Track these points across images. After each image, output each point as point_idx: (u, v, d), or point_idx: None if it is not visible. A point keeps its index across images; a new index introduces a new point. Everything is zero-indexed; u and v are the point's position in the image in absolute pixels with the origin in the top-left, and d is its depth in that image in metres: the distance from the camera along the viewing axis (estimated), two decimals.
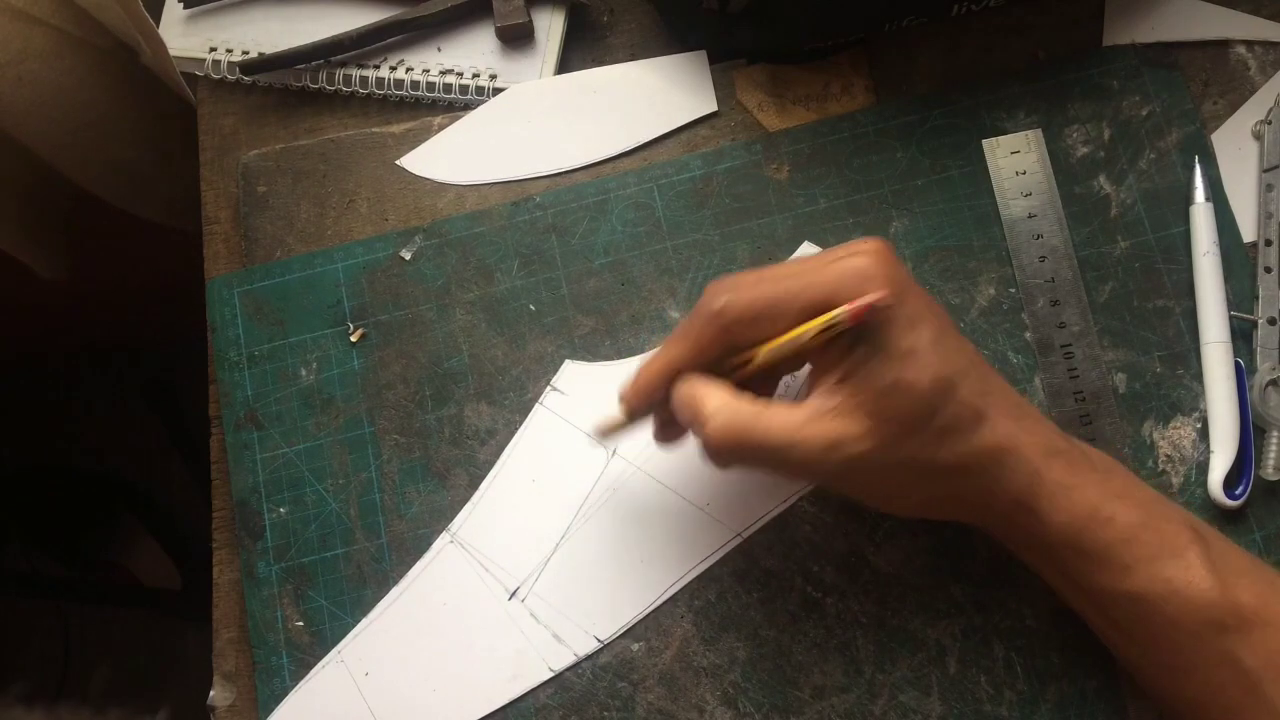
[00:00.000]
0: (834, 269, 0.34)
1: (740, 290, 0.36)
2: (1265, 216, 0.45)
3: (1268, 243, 0.44)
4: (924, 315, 0.34)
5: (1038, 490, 0.35)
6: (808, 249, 0.46)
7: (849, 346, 0.34)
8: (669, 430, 0.40)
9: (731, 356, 0.37)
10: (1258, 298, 0.44)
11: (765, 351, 0.35)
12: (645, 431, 0.43)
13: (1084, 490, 0.35)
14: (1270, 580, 0.35)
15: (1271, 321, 0.44)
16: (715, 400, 0.36)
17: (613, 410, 0.40)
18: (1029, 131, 0.47)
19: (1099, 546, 0.35)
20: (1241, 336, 0.44)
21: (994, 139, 0.47)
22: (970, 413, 0.34)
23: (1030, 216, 0.46)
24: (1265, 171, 0.45)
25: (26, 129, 0.56)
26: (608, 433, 0.41)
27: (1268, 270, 0.44)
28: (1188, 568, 0.34)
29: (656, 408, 0.39)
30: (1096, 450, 0.38)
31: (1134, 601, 0.34)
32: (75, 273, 0.67)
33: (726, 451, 0.36)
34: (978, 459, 0.35)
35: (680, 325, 0.38)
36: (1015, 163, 0.46)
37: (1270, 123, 0.46)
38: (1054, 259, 0.45)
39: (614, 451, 0.45)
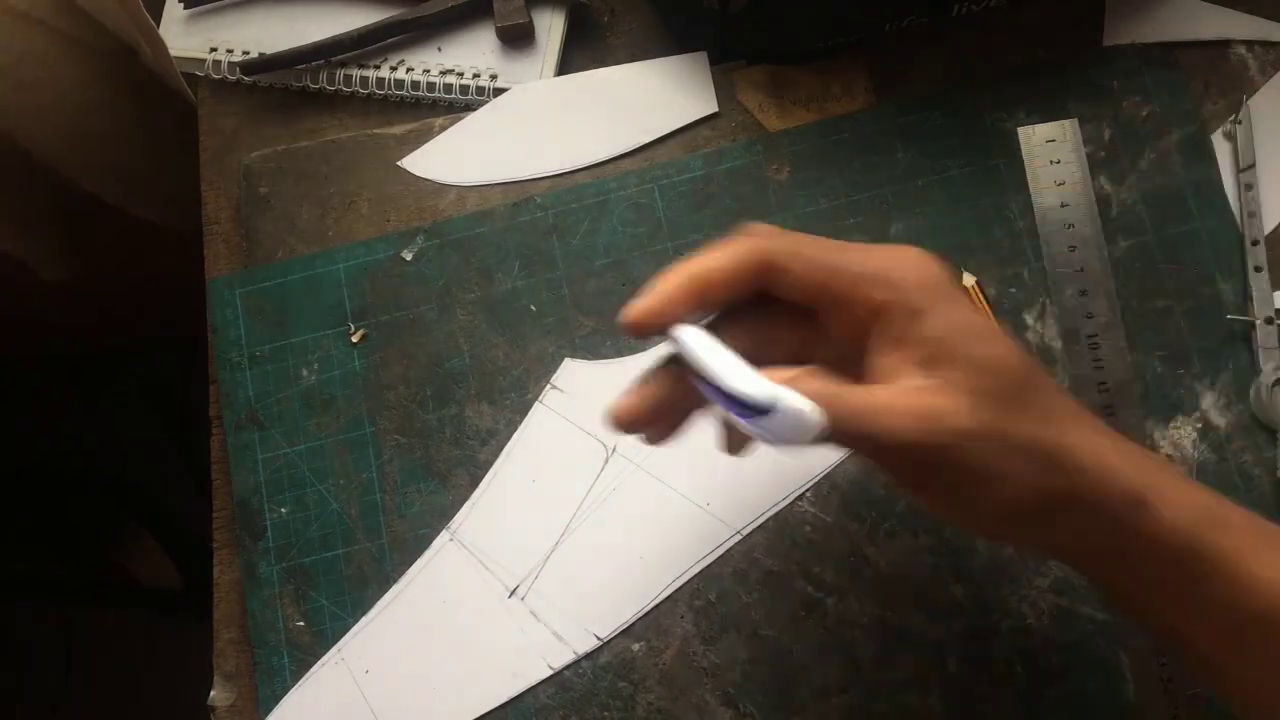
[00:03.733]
0: (875, 256, 0.32)
1: (784, 236, 0.32)
2: (1247, 215, 0.45)
3: (1254, 242, 0.44)
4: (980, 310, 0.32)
5: (1147, 482, 0.31)
6: None
7: (917, 327, 0.31)
8: (673, 415, 0.33)
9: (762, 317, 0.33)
10: (1251, 299, 0.44)
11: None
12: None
13: (1192, 489, 0.32)
14: None
15: (1269, 321, 0.44)
16: (786, 371, 0.30)
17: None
18: (1066, 121, 0.47)
19: (1218, 552, 0.31)
20: (1240, 340, 0.44)
21: (1029, 127, 0.47)
22: (1060, 400, 0.32)
23: (1063, 206, 0.46)
24: (1242, 171, 0.45)
25: (28, 131, 0.56)
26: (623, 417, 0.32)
27: (1258, 269, 0.44)
28: None
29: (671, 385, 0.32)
30: None
31: (1263, 619, 0.30)
32: (76, 273, 0.67)
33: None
34: (1083, 444, 0.31)
35: (721, 243, 0.32)
36: (1050, 152, 0.46)
37: (1240, 122, 0.46)
38: (1084, 249, 0.45)
39: (614, 449, 0.45)
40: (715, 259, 0.31)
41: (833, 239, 0.33)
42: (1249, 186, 0.45)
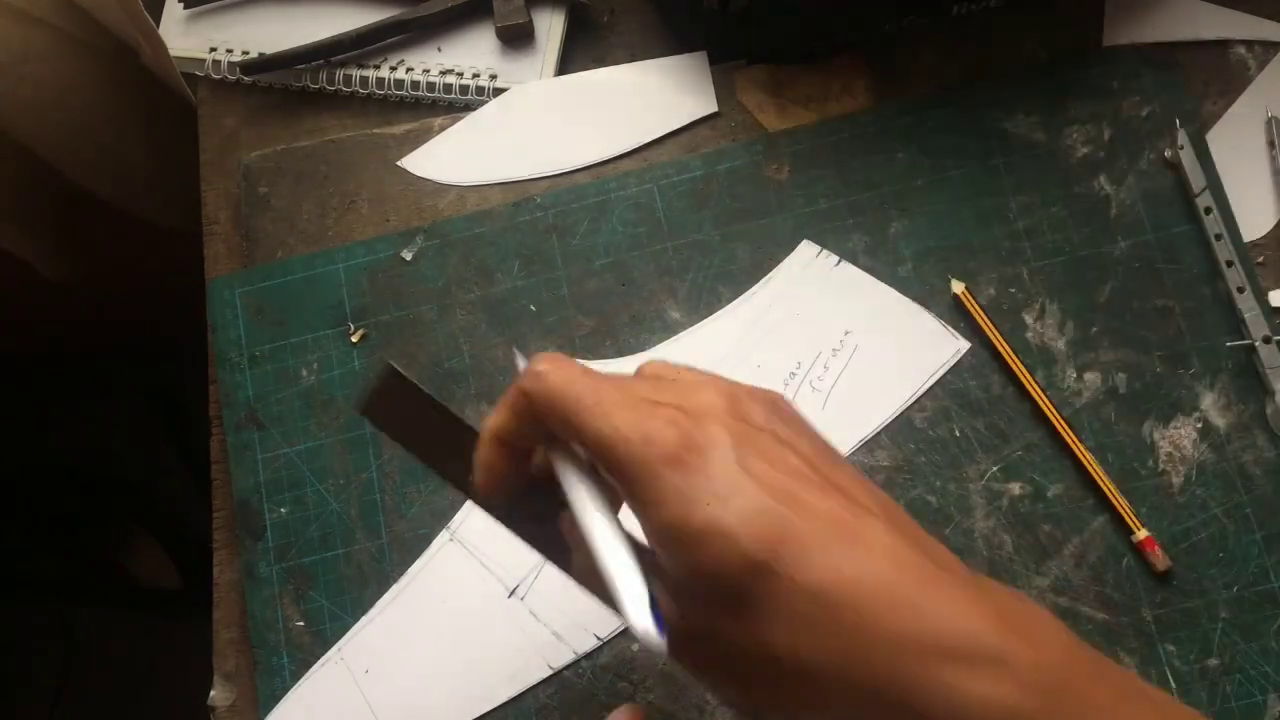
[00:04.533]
0: (631, 416, 0.27)
1: (561, 368, 0.29)
2: (1215, 239, 0.44)
3: (1228, 263, 0.44)
4: (739, 481, 0.26)
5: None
6: (807, 247, 0.47)
7: (642, 516, 0.28)
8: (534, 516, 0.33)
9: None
10: (1243, 321, 0.44)
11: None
12: None
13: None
14: None
15: (1267, 340, 0.43)
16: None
17: None
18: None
19: None
20: (1245, 373, 0.44)
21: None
22: (804, 599, 0.25)
23: None
24: (1197, 195, 0.45)
25: (27, 129, 0.56)
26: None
27: (1240, 290, 0.44)
28: None
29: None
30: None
31: None
32: (76, 273, 0.67)
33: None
34: (830, 648, 0.25)
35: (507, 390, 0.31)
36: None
37: (1183, 147, 0.45)
38: None
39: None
40: (497, 415, 0.30)
41: (625, 378, 0.30)
42: (1208, 210, 0.45)
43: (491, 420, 0.30)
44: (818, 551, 0.25)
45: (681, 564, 0.27)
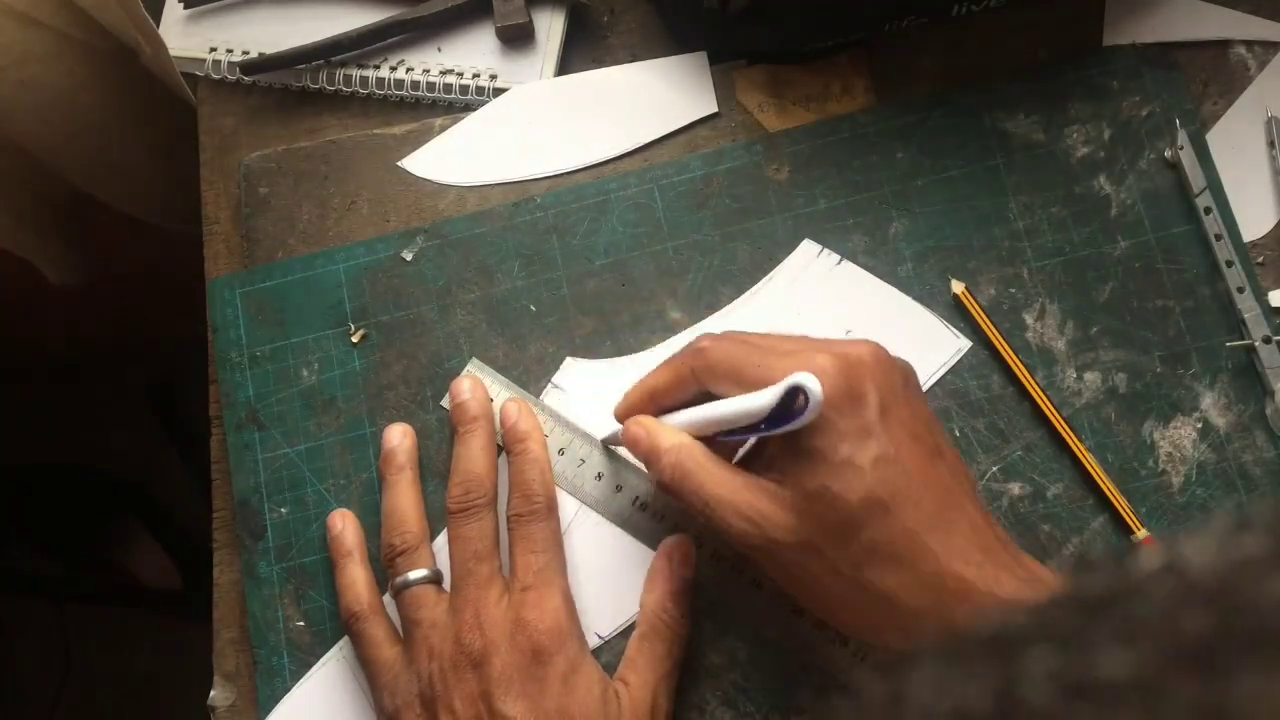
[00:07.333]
0: (796, 360, 0.34)
1: (721, 342, 0.37)
2: (1215, 239, 0.44)
3: (1228, 263, 0.44)
4: (878, 430, 0.33)
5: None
6: (808, 247, 0.47)
7: (801, 435, 0.34)
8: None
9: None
10: (1243, 321, 0.44)
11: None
12: None
13: None
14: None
15: (1267, 340, 0.43)
16: (670, 439, 0.38)
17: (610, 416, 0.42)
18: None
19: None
20: (1245, 373, 0.44)
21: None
22: (907, 543, 0.33)
23: None
24: (1197, 195, 0.45)
25: (27, 130, 0.56)
26: (610, 442, 0.45)
27: (1240, 290, 0.44)
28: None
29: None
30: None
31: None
32: (76, 272, 0.67)
33: (673, 487, 0.37)
34: (920, 594, 0.33)
35: (667, 358, 0.40)
36: None
37: (1183, 147, 0.45)
38: None
39: (616, 448, 0.45)
40: (658, 376, 0.39)
41: (778, 336, 0.37)
42: (1208, 210, 0.45)
43: (650, 380, 0.40)
44: (925, 505, 0.33)
45: (813, 486, 0.33)
